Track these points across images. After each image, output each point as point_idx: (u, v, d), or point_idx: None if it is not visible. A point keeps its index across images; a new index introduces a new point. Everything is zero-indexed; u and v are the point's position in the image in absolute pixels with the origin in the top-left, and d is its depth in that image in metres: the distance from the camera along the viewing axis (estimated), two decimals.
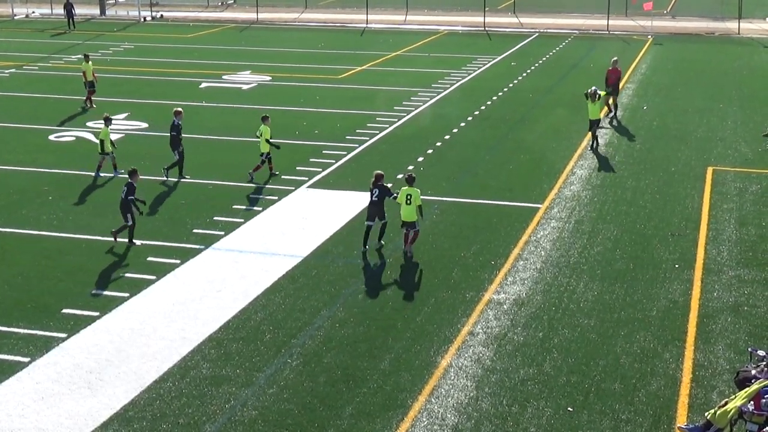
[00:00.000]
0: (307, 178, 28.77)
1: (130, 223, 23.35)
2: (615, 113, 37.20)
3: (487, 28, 63.93)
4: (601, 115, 33.44)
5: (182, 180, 28.70)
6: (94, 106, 39.05)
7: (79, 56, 51.02)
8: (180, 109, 29.86)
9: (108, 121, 29.56)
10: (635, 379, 16.98)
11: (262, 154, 28.62)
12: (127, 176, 23.94)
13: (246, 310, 19.83)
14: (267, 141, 28.46)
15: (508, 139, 33.99)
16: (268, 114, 29.73)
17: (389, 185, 24.32)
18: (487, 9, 66.61)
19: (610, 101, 36.97)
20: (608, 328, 19.00)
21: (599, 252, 23.02)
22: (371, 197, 23.04)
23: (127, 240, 23.45)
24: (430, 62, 50.52)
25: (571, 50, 55.10)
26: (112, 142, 29.41)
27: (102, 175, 29.20)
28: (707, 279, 21.41)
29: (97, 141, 29.68)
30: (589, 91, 32.73)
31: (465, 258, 22.65)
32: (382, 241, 23.32)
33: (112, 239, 23.41)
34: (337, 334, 18.73)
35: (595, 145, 32.50)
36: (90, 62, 39.30)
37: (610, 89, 36.88)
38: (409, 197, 22.47)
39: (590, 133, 32.73)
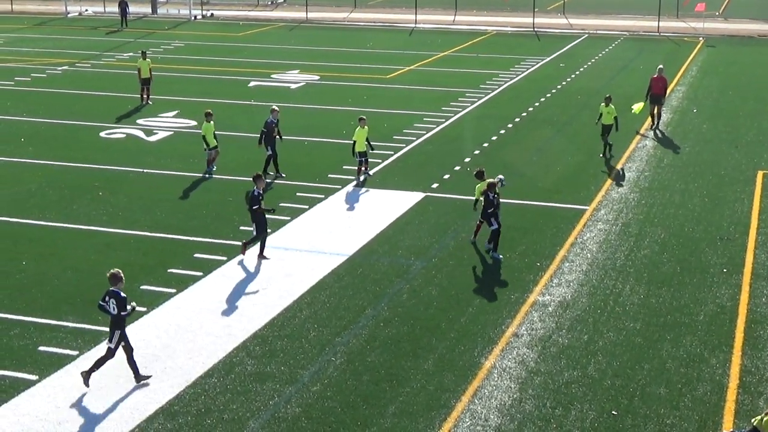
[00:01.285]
0: (353, 177, 28.85)
1: (262, 234, 22.43)
2: (657, 124, 35.76)
3: (536, 29, 63.69)
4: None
5: (267, 175, 28.88)
6: (151, 102, 39.46)
7: (132, 54, 51.77)
8: (276, 107, 29.81)
9: (209, 116, 29.67)
10: (681, 384, 16.86)
11: (357, 154, 28.44)
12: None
13: (291, 307, 19.96)
14: (366, 141, 28.42)
15: (555, 141, 33.85)
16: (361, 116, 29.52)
17: (434, 185, 24.31)
18: (536, 10, 66.36)
19: (654, 111, 35.63)
20: (654, 331, 18.88)
21: (646, 255, 22.86)
22: (495, 201, 22.57)
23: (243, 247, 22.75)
24: (479, 63, 50.44)
25: (621, 52, 54.73)
26: (215, 137, 29.52)
27: (175, 174, 29.49)
28: (756, 284, 21.19)
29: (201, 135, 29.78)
30: (607, 95, 32.07)
31: (510, 259, 22.61)
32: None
33: (241, 253, 22.61)
34: (381, 334, 18.79)
35: (607, 153, 31.39)
36: (147, 59, 39.68)
37: (656, 98, 35.33)
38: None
39: (602, 139, 31.48)
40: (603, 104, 31.55)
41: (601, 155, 31.45)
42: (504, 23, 66.43)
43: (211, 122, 29.41)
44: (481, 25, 65.81)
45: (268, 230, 22.97)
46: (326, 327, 19.06)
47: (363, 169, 28.65)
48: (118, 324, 16.59)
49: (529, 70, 48.14)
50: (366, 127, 28.41)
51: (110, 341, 16.66)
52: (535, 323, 19.22)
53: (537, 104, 39.76)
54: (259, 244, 22.65)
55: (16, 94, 41.85)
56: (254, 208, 22.35)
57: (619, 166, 30.40)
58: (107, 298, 16.57)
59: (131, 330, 18.74)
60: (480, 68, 48.56)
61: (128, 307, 16.56)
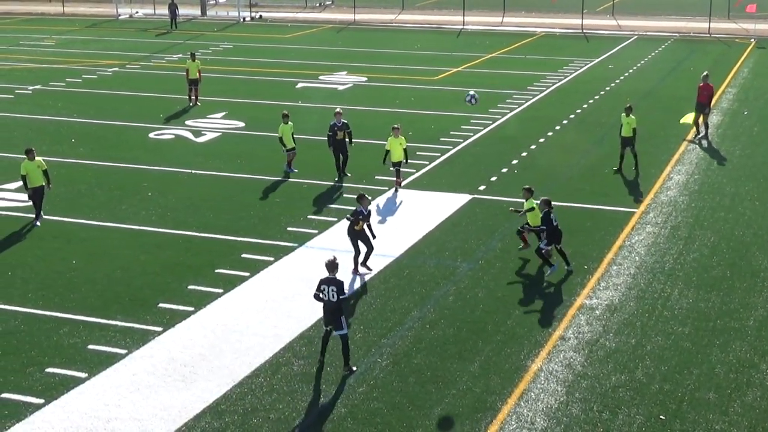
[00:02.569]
0: (400, 179, 28.83)
1: (364, 250, 21.85)
2: (705, 133, 34.61)
3: (584, 31, 63.31)
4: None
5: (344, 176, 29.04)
6: (199, 104, 39.75)
7: (181, 56, 52.20)
8: (339, 110, 29.75)
9: (286, 117, 29.80)
10: (730, 390, 16.66)
11: (392, 164, 27.99)
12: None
13: None
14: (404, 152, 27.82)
15: (603, 143, 33.61)
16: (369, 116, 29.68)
17: (482, 187, 24.22)
18: (584, 11, 65.94)
19: (700, 120, 34.74)
20: (703, 336, 18.67)
21: (695, 259, 22.63)
22: (553, 222, 21.80)
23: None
24: (526, 64, 50.24)
25: (670, 53, 54.22)
26: (293, 138, 29.68)
27: (240, 177, 29.71)
28: None
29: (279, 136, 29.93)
30: (627, 105, 30.93)
31: (558, 262, 22.48)
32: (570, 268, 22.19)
33: (358, 271, 21.95)
34: (428, 335, 18.77)
35: (620, 166, 29.89)
36: (196, 61, 39.97)
37: (701, 107, 34.33)
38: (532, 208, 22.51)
39: (621, 151, 30.03)
40: (624, 114, 30.06)
41: (615, 169, 29.90)
42: (552, 24, 66.10)
43: (288, 123, 29.57)
44: (529, 26, 65.54)
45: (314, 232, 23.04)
46: (372, 328, 19.08)
47: (398, 180, 27.99)
48: (340, 309, 17.05)
49: (578, 72, 47.86)
50: (401, 136, 27.82)
51: (341, 327, 17.06)
52: (582, 326, 19.10)
53: (585, 106, 39.52)
54: (364, 255, 22.01)
55: (67, 95, 42.37)
56: (354, 227, 21.66)
57: (668, 169, 30.11)
58: (323, 287, 16.92)
59: (178, 330, 18.91)
60: (528, 70, 48.36)
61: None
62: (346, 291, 17.15)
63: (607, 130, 35.47)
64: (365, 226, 21.72)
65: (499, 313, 19.78)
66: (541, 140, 33.85)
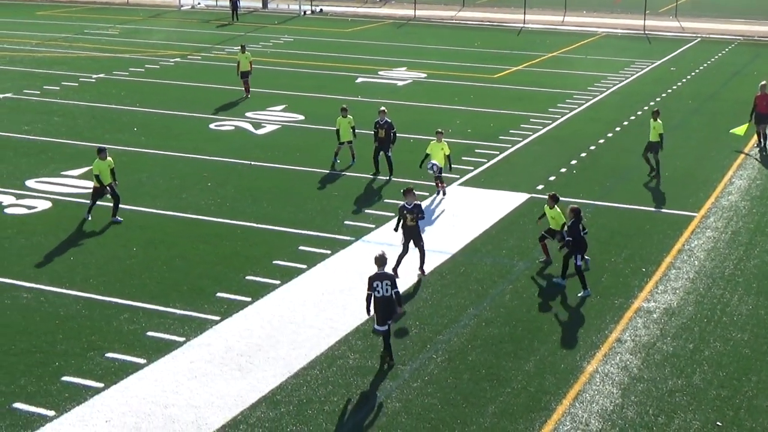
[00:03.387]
0: (458, 176, 28.84)
1: (414, 251, 21.48)
2: (765, 144, 33.35)
3: (646, 32, 62.70)
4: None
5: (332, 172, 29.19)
6: (249, 96, 40.01)
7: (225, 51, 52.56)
8: (384, 108, 29.47)
9: (344, 111, 29.98)
10: None
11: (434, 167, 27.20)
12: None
13: None
14: (447, 158, 27.12)
15: (664, 145, 33.25)
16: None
17: (540, 186, 24.08)
18: (647, 12, 65.29)
19: (760, 130, 33.29)
20: (762, 343, 18.46)
21: (756, 265, 22.36)
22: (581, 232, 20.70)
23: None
24: (587, 65, 49.89)
25: (734, 57, 53.51)
26: (353, 132, 29.84)
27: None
28: None
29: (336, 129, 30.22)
30: (655, 109, 30.42)
31: (615, 264, 22.36)
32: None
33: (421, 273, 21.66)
34: (483, 333, 18.77)
35: (651, 172, 29.32)
36: (247, 53, 40.19)
37: (761, 118, 32.91)
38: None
39: (644, 155, 29.56)
40: (651, 119, 29.60)
41: (648, 175, 29.36)
42: (614, 25, 65.53)
43: (347, 117, 29.73)
44: (590, 26, 65.04)
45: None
46: (428, 324, 19.12)
47: (440, 185, 27.14)
48: (394, 303, 17.04)
49: (639, 74, 47.42)
50: (444, 142, 27.11)
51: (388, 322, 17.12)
52: (639, 329, 18.97)
53: (646, 108, 39.13)
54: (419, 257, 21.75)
55: (130, 85, 42.90)
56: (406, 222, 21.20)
57: (729, 174, 29.76)
58: (376, 283, 16.92)
59: (236, 319, 19.10)
60: (589, 70, 48.03)
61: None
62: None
63: (668, 133, 35.06)
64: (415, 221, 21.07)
65: (555, 314, 19.72)
66: (601, 141, 33.62)
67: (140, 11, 70.66)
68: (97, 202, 24.97)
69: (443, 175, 27.34)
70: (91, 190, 25.38)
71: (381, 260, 17.16)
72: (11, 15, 66.71)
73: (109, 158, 24.93)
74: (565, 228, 20.99)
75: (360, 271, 21.64)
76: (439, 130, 27.55)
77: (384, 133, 28.74)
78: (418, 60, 50.31)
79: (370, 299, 17.12)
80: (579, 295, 20.64)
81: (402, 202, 21.30)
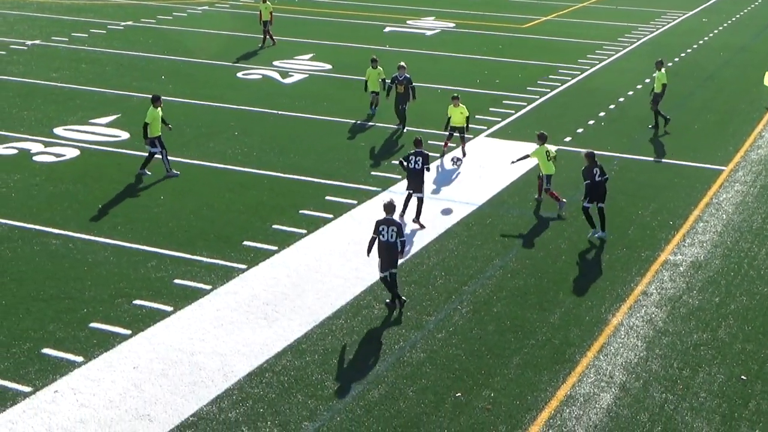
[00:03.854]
0: (486, 127, 28.71)
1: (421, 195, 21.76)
2: None
3: None
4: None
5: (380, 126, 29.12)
6: (270, 44, 39.78)
7: None
8: (404, 64, 29.08)
9: (374, 62, 29.85)
10: None
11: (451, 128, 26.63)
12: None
13: (419, 254, 20.09)
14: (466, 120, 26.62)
15: (694, 98, 32.98)
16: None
17: (554, 148, 23.96)
18: None
19: None
20: None
21: None
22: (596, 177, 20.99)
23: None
24: (618, 15, 49.34)
25: (767, 8, 52.76)
26: (383, 83, 29.66)
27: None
28: None
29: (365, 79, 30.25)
30: (658, 59, 30.06)
31: (642, 216, 22.25)
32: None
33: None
34: (508, 284, 18.77)
35: (658, 122, 28.96)
36: (267, 2, 39.87)
37: None
38: (548, 153, 22.44)
39: (653, 107, 29.16)
40: (656, 69, 29.29)
41: (650, 126, 29.24)
42: None
43: (377, 68, 29.60)
44: None
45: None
46: (453, 275, 19.14)
47: (461, 147, 26.51)
48: (398, 250, 17.30)
49: (670, 24, 46.86)
50: (461, 105, 26.23)
51: (396, 266, 17.39)
52: (665, 282, 18.91)
53: (677, 59, 38.74)
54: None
55: (157, 32, 42.84)
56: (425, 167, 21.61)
57: (759, 127, 29.45)
58: (382, 227, 17.21)
59: (262, 268, 19.18)
60: (619, 21, 47.49)
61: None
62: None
63: (699, 84, 34.77)
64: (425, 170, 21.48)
65: (581, 266, 19.68)
66: (630, 93, 33.32)
67: None
68: (125, 151, 24.97)
69: (465, 135, 26.73)
70: (119, 139, 25.46)
71: (390, 207, 17.47)
72: None
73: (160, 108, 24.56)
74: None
75: None
76: (455, 95, 26.72)
77: (403, 88, 28.42)
78: (446, 9, 49.92)
79: (374, 242, 17.39)
80: (598, 234, 20.98)
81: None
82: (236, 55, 38.30)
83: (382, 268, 17.45)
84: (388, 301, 17.85)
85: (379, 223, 17.31)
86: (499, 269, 19.44)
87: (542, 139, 22.78)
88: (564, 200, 22.36)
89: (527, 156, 22.94)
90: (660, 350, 16.40)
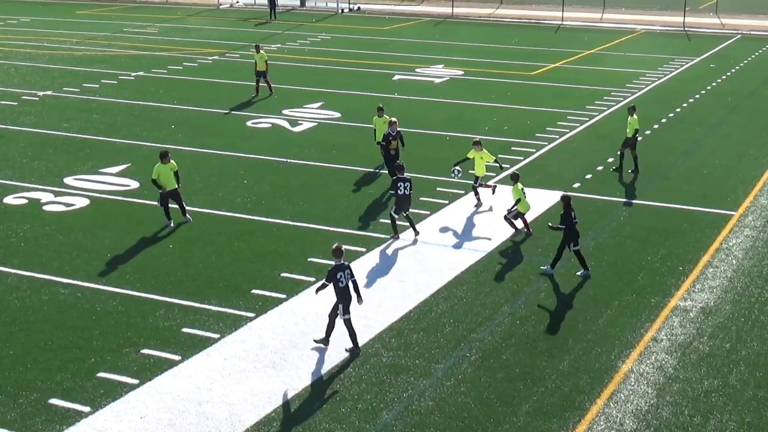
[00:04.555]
0: (494, 174, 28.71)
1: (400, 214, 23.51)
2: None
3: (686, 29, 62.17)
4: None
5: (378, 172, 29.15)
6: (262, 94, 39.82)
7: (279, 45, 52.87)
8: (395, 120, 28.69)
9: (380, 110, 29.60)
10: None
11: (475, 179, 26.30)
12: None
13: (427, 301, 20.04)
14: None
15: (703, 144, 33.00)
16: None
17: (576, 184, 23.93)
18: (687, 9, 64.73)
19: None
20: None
21: None
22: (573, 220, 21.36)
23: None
24: (626, 62, 49.54)
25: None
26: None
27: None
28: None
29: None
30: (630, 105, 30.26)
31: (651, 262, 22.18)
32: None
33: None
34: (518, 332, 18.69)
35: (623, 164, 29.14)
36: (261, 52, 40.03)
37: None
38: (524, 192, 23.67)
39: (620, 150, 29.34)
40: (628, 114, 29.23)
41: (614, 168, 29.33)
42: (653, 22, 65.04)
43: (383, 116, 29.40)
44: (629, 23, 64.56)
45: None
46: (462, 322, 19.07)
47: (480, 190, 26.39)
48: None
49: (678, 70, 47.02)
50: (483, 151, 26.02)
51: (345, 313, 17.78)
52: (675, 329, 18.81)
53: (685, 105, 38.83)
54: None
55: (168, 82, 43.16)
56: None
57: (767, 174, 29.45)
58: (339, 274, 17.52)
59: (270, 316, 19.15)
60: (627, 67, 47.68)
61: None
62: None
63: (707, 130, 34.81)
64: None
65: (591, 312, 19.59)
66: (639, 139, 33.25)
67: (179, 10, 71.08)
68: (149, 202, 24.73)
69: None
70: (129, 188, 25.52)
71: (338, 252, 17.69)
72: (52, 14, 67.34)
73: (172, 161, 24.50)
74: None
75: (395, 269, 21.67)
76: (477, 140, 26.52)
77: (396, 144, 27.92)
78: (455, 57, 50.20)
79: (324, 288, 17.86)
80: (578, 273, 21.32)
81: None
82: (246, 104, 38.54)
83: (346, 311, 17.70)
84: (348, 348, 17.97)
85: (335, 271, 17.53)
86: (507, 316, 19.37)
87: (515, 179, 23.78)
88: (519, 230, 23.64)
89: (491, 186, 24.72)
90: (671, 397, 16.28)
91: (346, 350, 17.91)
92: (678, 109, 38.01)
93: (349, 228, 24.22)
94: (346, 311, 17.71)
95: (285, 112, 37.20)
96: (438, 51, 52.45)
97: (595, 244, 23.33)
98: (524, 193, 23.78)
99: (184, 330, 18.58)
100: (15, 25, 61.92)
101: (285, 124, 35.37)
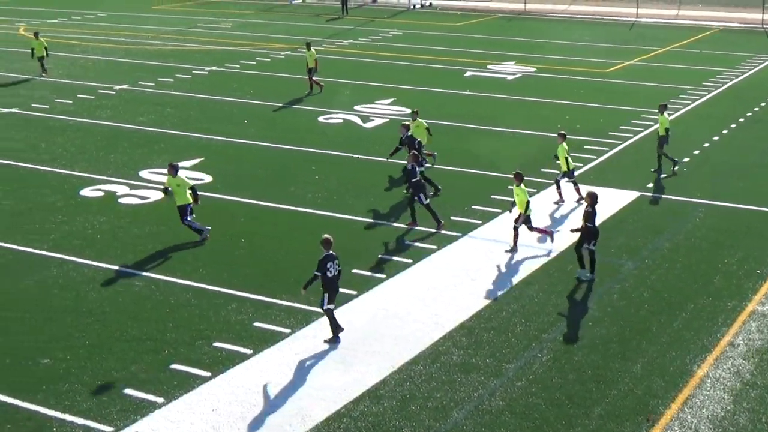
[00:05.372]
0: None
1: (425, 201, 23.83)
2: None
3: (765, 26, 60.96)
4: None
5: (434, 167, 29.06)
6: (314, 91, 39.80)
7: (351, 41, 52.98)
8: (407, 123, 28.57)
9: (415, 114, 29.42)
10: None
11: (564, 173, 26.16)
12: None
13: (499, 300, 19.92)
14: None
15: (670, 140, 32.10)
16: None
17: (650, 184, 23.58)
18: (766, 5, 63.46)
19: None
20: None
21: None
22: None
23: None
24: (702, 59, 48.74)
25: None
26: (428, 131, 28.92)
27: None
28: None
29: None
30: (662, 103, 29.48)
31: (728, 265, 21.78)
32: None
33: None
34: (590, 333, 18.48)
35: (661, 166, 28.47)
36: (312, 50, 40.12)
37: None
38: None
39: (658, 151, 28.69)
40: (658, 113, 28.66)
41: (653, 170, 28.60)
42: (730, 19, 63.93)
43: (417, 119, 29.10)
44: (705, 20, 63.55)
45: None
46: (533, 322, 18.91)
47: (569, 191, 25.89)
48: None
49: (756, 69, 46.13)
50: (564, 144, 25.66)
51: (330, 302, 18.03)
52: (752, 333, 18.43)
53: (763, 104, 38.07)
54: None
55: (241, 77, 43.49)
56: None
57: None
58: (329, 264, 17.83)
59: (341, 312, 19.17)
60: (703, 65, 46.91)
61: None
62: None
63: None
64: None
65: (665, 315, 19.29)
66: (715, 138, 32.79)
67: (252, 5, 71.62)
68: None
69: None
70: (202, 182, 25.68)
71: (327, 242, 17.98)
72: (129, 9, 68.31)
73: (181, 176, 23.41)
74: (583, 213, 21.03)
75: (466, 267, 21.57)
76: (562, 132, 26.17)
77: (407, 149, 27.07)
78: (527, 54, 49.86)
79: (315, 279, 17.91)
80: (586, 276, 20.89)
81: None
82: (318, 99, 38.67)
83: (331, 300, 17.96)
84: (328, 339, 18.14)
85: (324, 261, 17.81)
86: (580, 317, 19.16)
87: (519, 179, 22.45)
88: (515, 247, 22.51)
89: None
90: (748, 404, 15.95)
91: (325, 341, 18.07)
92: (756, 108, 37.28)
93: (420, 225, 24.10)
94: (331, 301, 18.00)
95: (357, 107, 37.24)
96: (510, 47, 52.15)
97: (670, 245, 22.97)
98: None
99: (256, 324, 18.70)
100: (92, 20, 62.92)
101: (357, 119, 35.42)
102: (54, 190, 27.02)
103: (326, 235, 18.19)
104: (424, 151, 27.71)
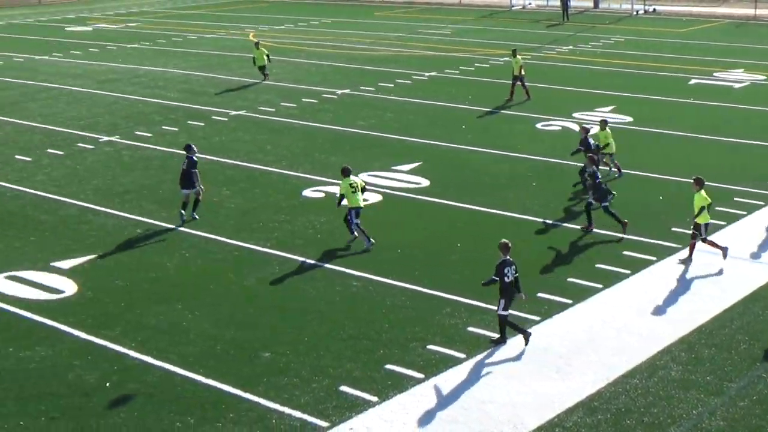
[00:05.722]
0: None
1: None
2: None
3: None
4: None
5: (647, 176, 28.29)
6: (530, 97, 39.29)
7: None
8: (586, 126, 28.32)
9: (604, 123, 29.26)
10: None
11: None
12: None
13: (721, 316, 19.18)
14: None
15: None
16: None
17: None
18: None
19: None
20: None
21: None
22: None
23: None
24: None
25: None
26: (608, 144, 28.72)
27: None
28: None
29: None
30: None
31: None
32: None
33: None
34: None
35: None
36: (518, 57, 39.55)
37: None
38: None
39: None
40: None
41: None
42: None
43: (606, 129, 28.48)
44: None
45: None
46: (759, 340, 18.10)
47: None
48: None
49: None
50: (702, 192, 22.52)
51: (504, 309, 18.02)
52: None
53: None
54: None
55: (460, 83, 43.74)
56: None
57: None
58: (506, 269, 17.91)
59: (556, 321, 18.99)
60: None
61: None
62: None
63: None
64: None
65: None
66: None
67: (472, 11, 71.94)
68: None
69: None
70: (419, 186, 25.97)
71: (505, 247, 18.00)
72: (352, 15, 70.06)
73: (353, 177, 23.59)
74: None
75: (686, 280, 20.92)
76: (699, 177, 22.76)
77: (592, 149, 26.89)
78: (757, 62, 47.84)
79: (493, 282, 18.03)
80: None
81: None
82: (536, 106, 38.41)
83: (507, 306, 17.94)
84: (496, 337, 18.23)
85: (502, 266, 17.77)
86: None
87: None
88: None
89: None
90: None
91: (491, 341, 18.13)
92: None
93: (638, 235, 23.53)
94: (506, 308, 17.86)
95: (575, 115, 36.75)
96: (738, 54, 50.19)
97: None
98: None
99: (469, 329, 18.75)
100: (316, 26, 64.84)
101: (575, 127, 34.94)
102: (278, 190, 27.99)
103: (504, 240, 18.25)
104: (614, 161, 28.29)
